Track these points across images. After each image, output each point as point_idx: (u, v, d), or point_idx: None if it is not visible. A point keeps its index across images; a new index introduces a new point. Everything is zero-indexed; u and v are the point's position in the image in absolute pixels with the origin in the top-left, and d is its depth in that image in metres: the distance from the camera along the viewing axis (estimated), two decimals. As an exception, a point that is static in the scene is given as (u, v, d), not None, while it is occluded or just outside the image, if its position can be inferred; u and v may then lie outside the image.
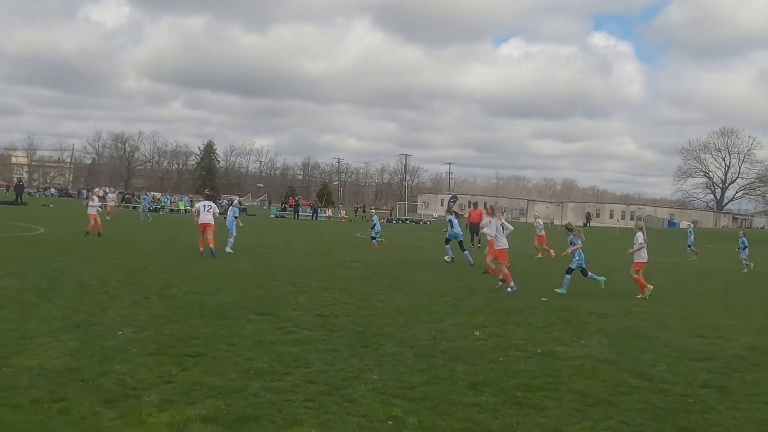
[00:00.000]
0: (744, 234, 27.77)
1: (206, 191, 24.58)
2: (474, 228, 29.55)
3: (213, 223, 18.91)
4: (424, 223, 72.37)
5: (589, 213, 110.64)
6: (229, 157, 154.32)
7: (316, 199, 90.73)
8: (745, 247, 26.46)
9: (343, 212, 78.45)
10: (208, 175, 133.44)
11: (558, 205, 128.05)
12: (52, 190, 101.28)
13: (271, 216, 64.80)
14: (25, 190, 63.24)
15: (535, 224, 28.96)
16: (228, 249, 19.94)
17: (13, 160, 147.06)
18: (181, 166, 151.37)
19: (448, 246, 21.59)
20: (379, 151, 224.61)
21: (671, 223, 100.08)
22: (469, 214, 31.95)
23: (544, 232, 27.64)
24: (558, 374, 7.35)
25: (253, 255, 19.77)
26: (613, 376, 7.38)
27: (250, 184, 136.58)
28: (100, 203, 25.88)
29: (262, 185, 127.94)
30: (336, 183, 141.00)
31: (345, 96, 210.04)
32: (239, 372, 6.71)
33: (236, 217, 21.73)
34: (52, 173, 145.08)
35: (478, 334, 9.41)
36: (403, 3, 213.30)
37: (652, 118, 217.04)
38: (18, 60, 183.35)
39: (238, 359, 7.20)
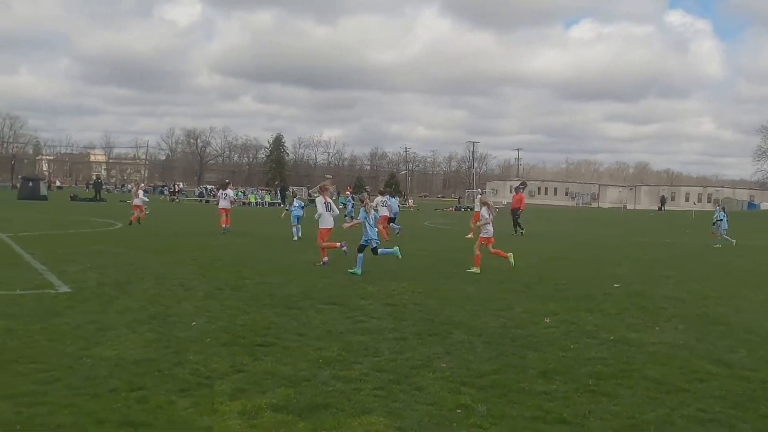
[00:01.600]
0: (723, 208, 26.78)
1: (226, 181, 27.31)
2: (515, 213, 29.05)
3: (228, 207, 24.19)
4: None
5: (663, 197, 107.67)
6: (298, 149, 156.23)
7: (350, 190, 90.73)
8: (720, 220, 25.46)
9: (410, 201, 78.41)
10: (277, 168, 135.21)
11: (631, 189, 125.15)
12: (130, 186, 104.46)
13: (340, 206, 65.16)
14: (103, 186, 65.34)
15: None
16: (294, 238, 21.76)
17: (92, 158, 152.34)
18: (251, 160, 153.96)
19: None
20: (447, 139, 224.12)
21: (751, 205, 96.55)
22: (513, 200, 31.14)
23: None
24: (632, 361, 7.19)
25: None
26: (690, 363, 7.17)
27: (318, 176, 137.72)
28: (145, 196, 29.10)
29: (330, 176, 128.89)
30: (404, 172, 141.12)
31: (413, 85, 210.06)
32: (309, 361, 6.79)
33: (302, 207, 23.22)
34: (129, 170, 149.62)
35: (548, 321, 9.29)
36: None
37: (731, 97, 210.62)
38: (96, 61, 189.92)
39: (307, 349, 7.29)
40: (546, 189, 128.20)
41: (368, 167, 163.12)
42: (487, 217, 15.18)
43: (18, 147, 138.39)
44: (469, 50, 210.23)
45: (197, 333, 7.85)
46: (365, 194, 21.51)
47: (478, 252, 14.93)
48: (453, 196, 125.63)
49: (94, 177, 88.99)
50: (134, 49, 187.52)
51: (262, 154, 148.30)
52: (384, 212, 23.99)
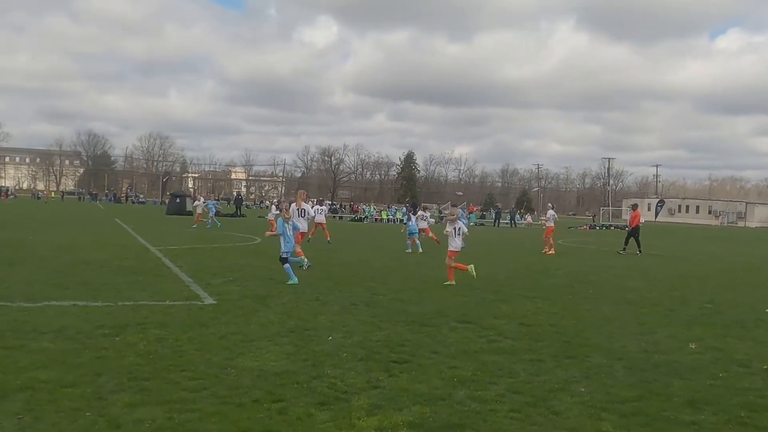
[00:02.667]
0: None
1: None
2: (634, 232, 27.58)
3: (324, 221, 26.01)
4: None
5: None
6: (429, 166, 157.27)
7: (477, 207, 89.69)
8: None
9: (528, 218, 76.93)
10: (408, 185, 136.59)
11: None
12: (266, 202, 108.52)
13: (471, 224, 65.02)
14: (244, 203, 68.20)
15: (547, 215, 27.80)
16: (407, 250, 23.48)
17: (233, 175, 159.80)
18: (383, 177, 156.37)
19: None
20: (582, 155, 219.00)
21: None
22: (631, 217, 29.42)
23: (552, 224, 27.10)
24: (789, 394, 6.70)
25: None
26: None
27: (449, 193, 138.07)
28: (204, 203, 37.71)
29: (461, 193, 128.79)
30: (535, 189, 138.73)
31: (547, 100, 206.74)
32: (444, 380, 6.78)
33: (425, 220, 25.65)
34: (267, 186, 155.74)
35: (693, 347, 8.82)
36: (610, 1, 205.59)
37: None
38: (239, 83, 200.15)
39: (442, 367, 7.28)
40: (687, 207, 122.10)
41: (499, 184, 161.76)
42: (450, 230, 15.16)
43: (167, 165, 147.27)
44: (606, 64, 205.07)
45: (334, 347, 8.02)
46: (287, 204, 21.21)
47: (452, 265, 14.78)
48: (587, 213, 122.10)
49: (235, 193, 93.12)
50: (274, 71, 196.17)
51: (393, 171, 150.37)
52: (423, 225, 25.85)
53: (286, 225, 14.21)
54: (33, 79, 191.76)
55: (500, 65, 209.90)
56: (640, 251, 26.42)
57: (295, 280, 13.70)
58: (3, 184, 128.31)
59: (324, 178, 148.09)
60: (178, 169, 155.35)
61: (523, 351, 8.22)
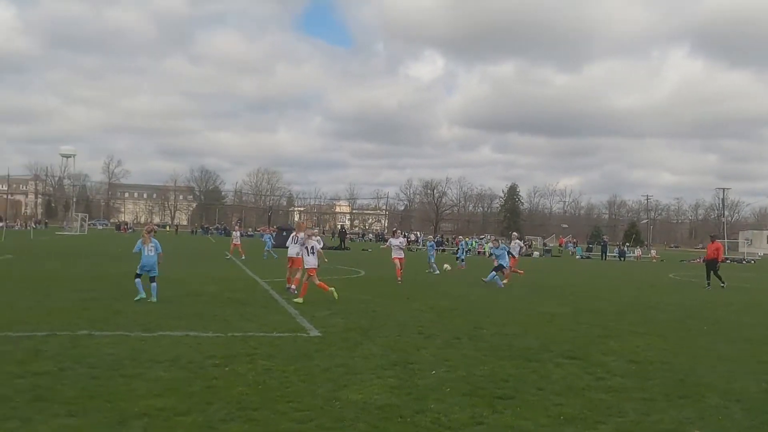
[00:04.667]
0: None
1: (395, 228, 28.42)
2: (712, 265, 26.09)
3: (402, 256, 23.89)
4: (747, 262, 65.82)
5: None
6: (533, 198, 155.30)
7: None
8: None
9: (653, 252, 74.33)
10: (512, 217, 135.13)
11: None
12: (370, 235, 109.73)
13: (577, 257, 63.57)
14: (347, 235, 69.17)
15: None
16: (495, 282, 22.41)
17: (337, 209, 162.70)
18: (486, 209, 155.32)
19: None
20: (694, 185, 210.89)
21: None
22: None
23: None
24: None
25: (558, 297, 19.51)
26: None
27: (553, 225, 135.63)
28: (240, 234, 39.69)
29: (566, 226, 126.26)
30: (644, 221, 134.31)
31: (658, 129, 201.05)
32: (550, 417, 6.64)
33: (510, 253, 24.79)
34: (370, 220, 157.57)
35: (820, 389, 8.28)
36: (728, 26, 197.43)
37: None
38: (346, 118, 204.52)
39: (548, 404, 7.13)
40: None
41: (606, 215, 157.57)
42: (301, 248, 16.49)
43: (274, 199, 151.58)
44: (723, 90, 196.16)
45: (437, 381, 7.99)
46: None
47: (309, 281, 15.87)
48: (700, 246, 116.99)
49: (339, 226, 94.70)
50: (381, 105, 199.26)
51: (496, 204, 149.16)
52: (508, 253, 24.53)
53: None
54: (152, 119, 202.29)
55: (609, 94, 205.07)
56: (723, 284, 25.14)
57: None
58: (123, 219, 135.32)
59: (426, 211, 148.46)
60: (284, 203, 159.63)
61: (632, 389, 7.94)
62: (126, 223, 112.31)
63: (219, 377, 7.75)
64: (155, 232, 15.91)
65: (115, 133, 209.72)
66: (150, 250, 15.08)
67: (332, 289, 15.77)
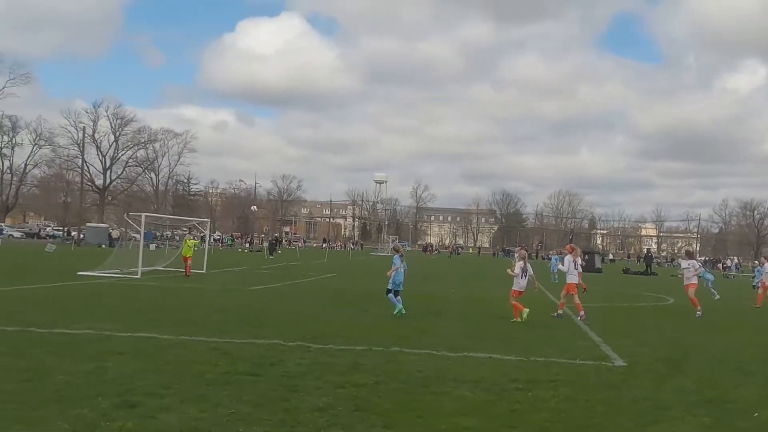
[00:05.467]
0: None
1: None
2: None
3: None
4: None
5: None
6: None
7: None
8: None
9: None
10: None
11: None
12: (678, 260, 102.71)
13: None
14: (654, 260, 65.52)
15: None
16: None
17: (643, 231, 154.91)
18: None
19: None
20: None
21: None
22: None
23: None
24: None
25: None
26: None
27: None
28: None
29: None
30: None
31: None
32: None
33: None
34: (679, 243, 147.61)
35: None
36: None
37: None
38: (652, 136, 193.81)
39: None
40: None
41: None
42: (517, 273, 16.07)
43: (575, 222, 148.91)
44: None
45: (758, 425, 7.28)
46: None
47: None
48: None
49: (645, 250, 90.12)
50: (691, 121, 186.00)
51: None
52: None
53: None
54: (457, 145, 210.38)
55: None
56: None
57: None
58: (428, 241, 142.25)
59: (745, 234, 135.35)
60: (586, 226, 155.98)
61: None
62: (431, 245, 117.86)
63: (522, 401, 7.83)
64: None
65: (423, 159, 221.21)
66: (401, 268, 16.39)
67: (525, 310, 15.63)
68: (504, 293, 23.77)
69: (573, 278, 17.32)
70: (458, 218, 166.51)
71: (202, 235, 37.52)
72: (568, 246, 19.67)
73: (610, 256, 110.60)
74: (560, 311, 17.26)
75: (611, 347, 12.32)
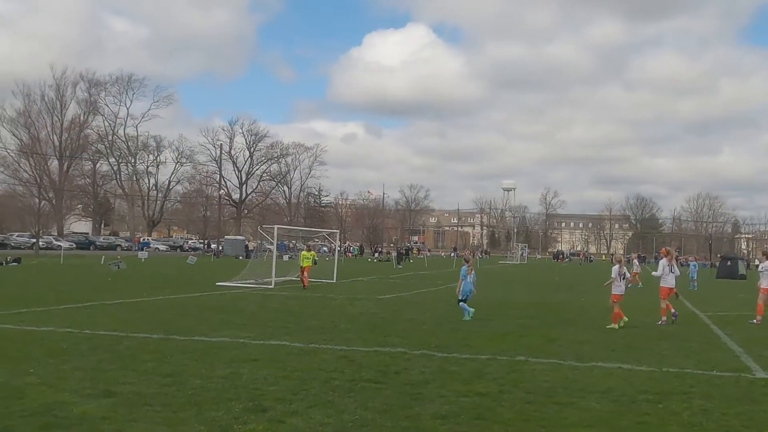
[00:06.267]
0: None
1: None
2: None
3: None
4: None
5: None
6: None
7: None
8: None
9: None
10: None
11: None
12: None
13: None
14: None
15: None
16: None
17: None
18: None
19: None
20: None
21: None
22: None
23: None
24: None
25: None
26: None
27: None
28: None
29: None
30: None
31: None
32: None
33: None
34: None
35: None
36: None
37: None
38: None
39: None
40: None
41: None
42: (614, 277, 16.02)
43: (717, 226, 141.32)
44: None
45: None
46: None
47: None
48: None
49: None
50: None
51: None
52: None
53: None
54: (588, 149, 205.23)
55: None
56: None
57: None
58: (559, 248, 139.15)
59: None
60: (729, 230, 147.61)
61: None
62: (562, 253, 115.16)
63: (651, 413, 7.56)
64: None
65: (552, 165, 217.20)
66: (471, 278, 16.74)
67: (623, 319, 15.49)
68: (634, 302, 22.99)
69: (666, 282, 16.95)
70: (590, 224, 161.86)
71: (331, 246, 38.15)
72: (663, 249, 19.20)
73: (756, 262, 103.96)
74: (664, 318, 16.73)
75: (753, 358, 11.65)
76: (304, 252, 28.04)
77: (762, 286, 17.90)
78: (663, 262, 17.25)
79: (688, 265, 38.87)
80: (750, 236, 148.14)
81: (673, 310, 16.69)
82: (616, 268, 16.23)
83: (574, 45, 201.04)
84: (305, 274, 26.50)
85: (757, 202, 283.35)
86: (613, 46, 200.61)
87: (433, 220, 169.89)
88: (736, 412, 7.74)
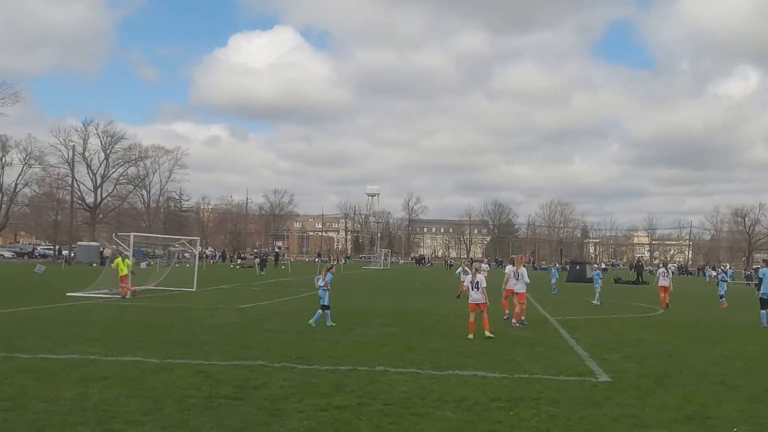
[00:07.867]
0: None
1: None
2: None
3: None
4: None
5: None
6: None
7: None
8: None
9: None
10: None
11: None
12: (672, 267, 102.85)
13: None
14: (645, 269, 65.58)
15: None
16: None
17: (635, 240, 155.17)
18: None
19: None
20: None
21: None
22: None
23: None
24: None
25: None
26: None
27: None
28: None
29: None
30: None
31: None
32: None
33: None
34: (672, 251, 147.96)
35: None
36: None
37: None
38: (646, 144, 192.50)
39: None
40: None
41: None
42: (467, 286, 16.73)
43: (567, 231, 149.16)
44: None
45: (739, 441, 7.32)
46: None
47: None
48: None
49: (636, 259, 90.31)
50: (684, 128, 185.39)
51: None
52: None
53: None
54: (451, 156, 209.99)
55: None
56: None
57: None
58: (421, 253, 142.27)
59: (737, 241, 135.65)
60: (578, 235, 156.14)
61: None
62: (424, 257, 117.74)
63: (503, 421, 7.85)
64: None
65: (416, 171, 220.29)
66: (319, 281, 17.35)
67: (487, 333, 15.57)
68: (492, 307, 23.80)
69: (509, 285, 19.19)
70: (451, 230, 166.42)
71: (189, 251, 37.15)
72: (519, 256, 21.86)
73: (602, 266, 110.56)
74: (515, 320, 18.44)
75: (596, 362, 12.37)
76: (118, 259, 26.36)
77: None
78: (510, 268, 19.58)
79: (549, 270, 40.69)
80: (597, 241, 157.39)
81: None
82: (469, 278, 16.57)
83: (441, 54, 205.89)
84: (123, 283, 25.35)
85: (604, 208, 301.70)
86: (478, 56, 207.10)
87: (297, 225, 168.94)
88: (580, 416, 8.17)
